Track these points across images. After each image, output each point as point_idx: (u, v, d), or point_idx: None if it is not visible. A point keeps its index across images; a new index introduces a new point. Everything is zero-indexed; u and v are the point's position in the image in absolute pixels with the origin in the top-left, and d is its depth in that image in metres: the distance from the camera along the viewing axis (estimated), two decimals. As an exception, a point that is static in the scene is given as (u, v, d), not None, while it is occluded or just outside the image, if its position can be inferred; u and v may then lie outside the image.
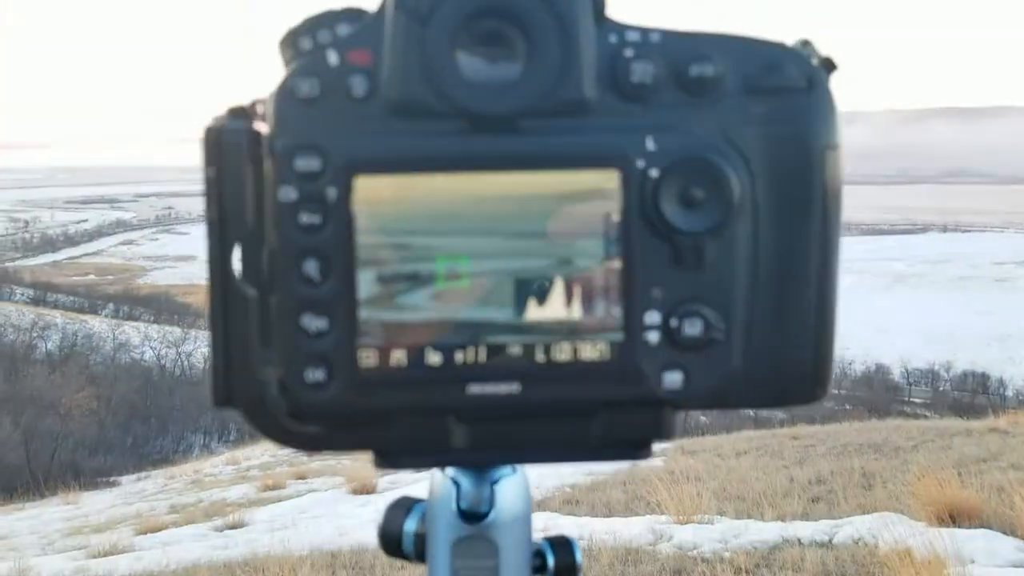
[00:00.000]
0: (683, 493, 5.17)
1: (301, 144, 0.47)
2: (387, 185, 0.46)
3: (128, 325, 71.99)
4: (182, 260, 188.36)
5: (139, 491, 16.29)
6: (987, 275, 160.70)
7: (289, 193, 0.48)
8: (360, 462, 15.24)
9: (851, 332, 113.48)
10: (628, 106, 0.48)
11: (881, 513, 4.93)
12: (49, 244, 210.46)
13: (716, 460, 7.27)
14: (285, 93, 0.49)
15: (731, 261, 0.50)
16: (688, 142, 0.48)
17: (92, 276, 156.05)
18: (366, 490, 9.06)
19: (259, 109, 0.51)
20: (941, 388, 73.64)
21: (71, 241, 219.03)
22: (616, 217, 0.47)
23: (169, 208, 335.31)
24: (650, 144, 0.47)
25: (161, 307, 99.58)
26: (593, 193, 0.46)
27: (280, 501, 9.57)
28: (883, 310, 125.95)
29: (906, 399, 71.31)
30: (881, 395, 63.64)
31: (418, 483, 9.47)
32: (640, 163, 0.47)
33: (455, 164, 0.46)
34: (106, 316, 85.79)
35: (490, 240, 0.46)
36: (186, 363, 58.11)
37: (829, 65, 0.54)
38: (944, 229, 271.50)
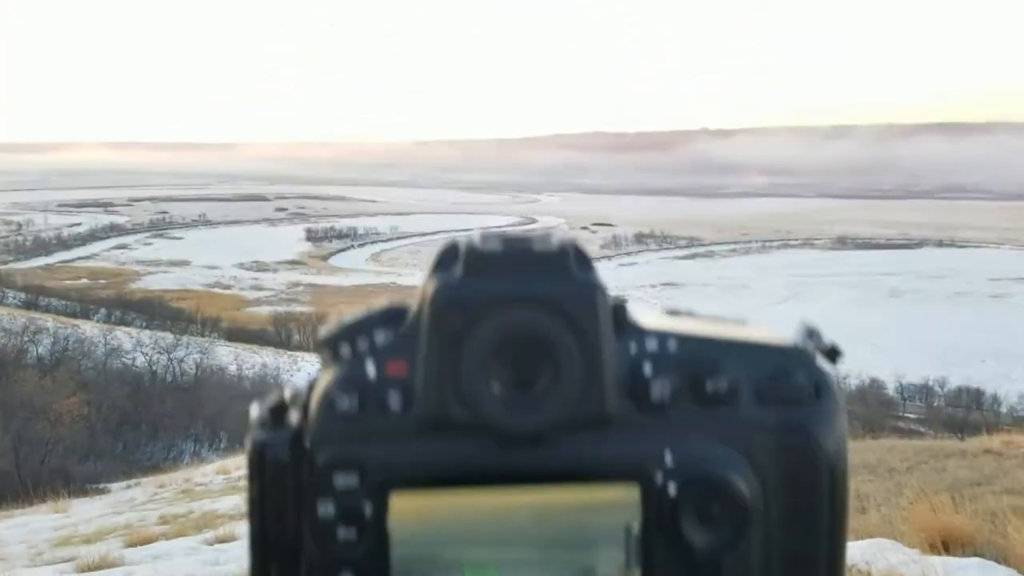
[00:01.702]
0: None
1: (340, 460, 0.50)
2: (421, 500, 0.48)
3: (120, 330, 71.68)
4: (176, 265, 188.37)
5: (129, 499, 16.19)
6: (983, 291, 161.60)
7: (328, 508, 0.49)
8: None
9: (845, 346, 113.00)
10: (647, 418, 0.51)
11: (875, 539, 4.93)
12: (42, 247, 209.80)
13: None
14: (326, 406, 0.52)
15: (745, 573, 0.50)
16: (705, 458, 0.50)
17: (85, 280, 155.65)
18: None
19: (293, 399, 0.55)
20: (935, 404, 73.71)
21: (64, 244, 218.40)
22: (636, 529, 0.48)
23: (163, 213, 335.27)
24: (668, 459, 0.49)
25: (154, 312, 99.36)
26: (615, 504, 0.48)
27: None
28: (878, 325, 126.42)
29: (900, 414, 71.40)
30: (875, 410, 63.63)
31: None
32: (659, 477, 0.49)
33: (485, 479, 0.48)
34: (98, 321, 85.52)
35: (516, 550, 0.48)
36: (178, 369, 57.84)
37: (834, 354, 0.59)
38: (940, 244, 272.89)
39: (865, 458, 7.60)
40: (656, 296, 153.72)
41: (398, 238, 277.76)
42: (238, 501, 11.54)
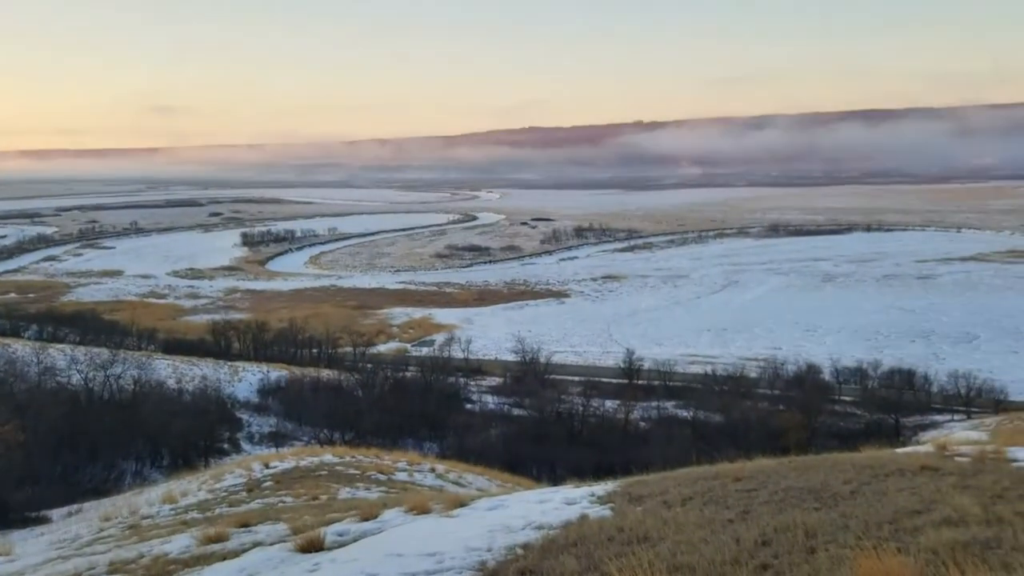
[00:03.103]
0: (635, 564, 5.23)
1: None
2: None
3: (53, 348, 69.45)
4: (108, 275, 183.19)
5: (74, 538, 15.75)
6: (911, 273, 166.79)
7: None
8: (302, 507, 15.02)
9: (782, 333, 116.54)
10: None
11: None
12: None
13: (663, 511, 7.36)
14: None
15: None
16: None
17: (13, 295, 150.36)
18: (314, 546, 8.92)
19: None
20: (870, 386, 75.59)
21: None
22: None
23: (93, 222, 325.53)
24: None
25: (87, 326, 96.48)
26: None
27: (224, 559, 9.36)
28: (812, 310, 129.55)
29: (837, 398, 73.41)
30: (813, 395, 65.23)
31: (367, 536, 9.39)
32: None
33: None
34: (29, 338, 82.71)
35: None
36: (115, 386, 56.34)
37: None
38: (868, 229, 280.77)
39: (809, 481, 7.81)
40: (598, 289, 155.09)
41: (337, 240, 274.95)
42: (189, 541, 11.33)
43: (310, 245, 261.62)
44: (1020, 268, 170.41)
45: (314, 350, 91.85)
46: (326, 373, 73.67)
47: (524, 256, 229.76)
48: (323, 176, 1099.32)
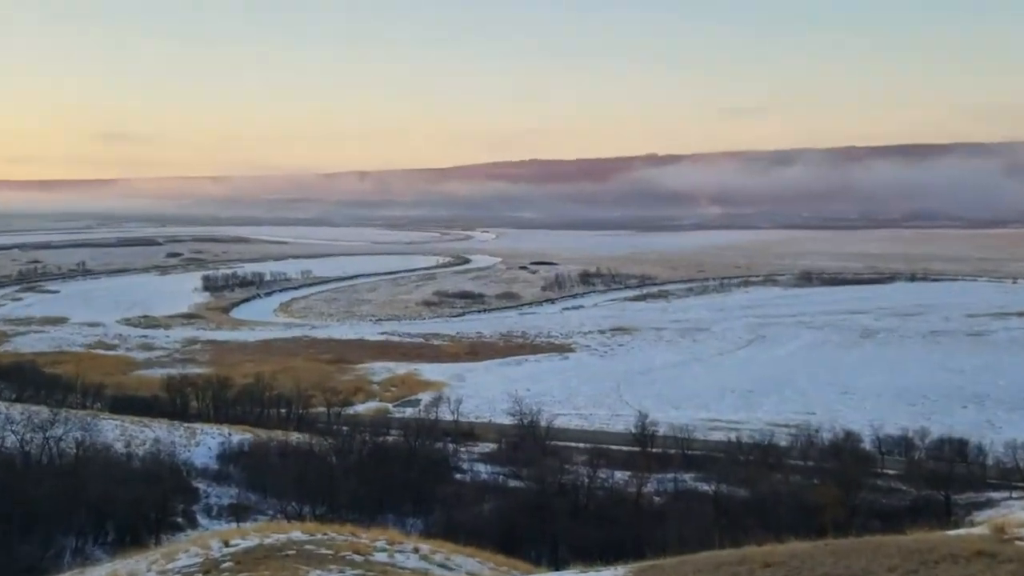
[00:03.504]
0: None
1: None
2: None
3: (-15, 405, 69.08)
4: (51, 323, 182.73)
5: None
6: (961, 329, 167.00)
7: None
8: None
9: (816, 395, 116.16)
10: None
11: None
12: None
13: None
14: None
15: None
16: None
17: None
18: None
19: None
20: (916, 457, 75.19)
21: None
22: None
23: (35, 262, 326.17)
24: None
25: (26, 380, 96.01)
26: None
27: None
28: (850, 369, 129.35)
29: (879, 470, 72.95)
30: (852, 467, 64.78)
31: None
32: None
33: None
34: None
35: None
36: (55, 449, 55.98)
37: None
38: (912, 278, 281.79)
39: (850, 567, 7.75)
40: (606, 343, 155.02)
41: (311, 284, 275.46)
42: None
43: (280, 290, 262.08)
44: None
45: (283, 410, 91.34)
46: (296, 437, 73.18)
47: (523, 305, 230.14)
48: (296, 212, 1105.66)
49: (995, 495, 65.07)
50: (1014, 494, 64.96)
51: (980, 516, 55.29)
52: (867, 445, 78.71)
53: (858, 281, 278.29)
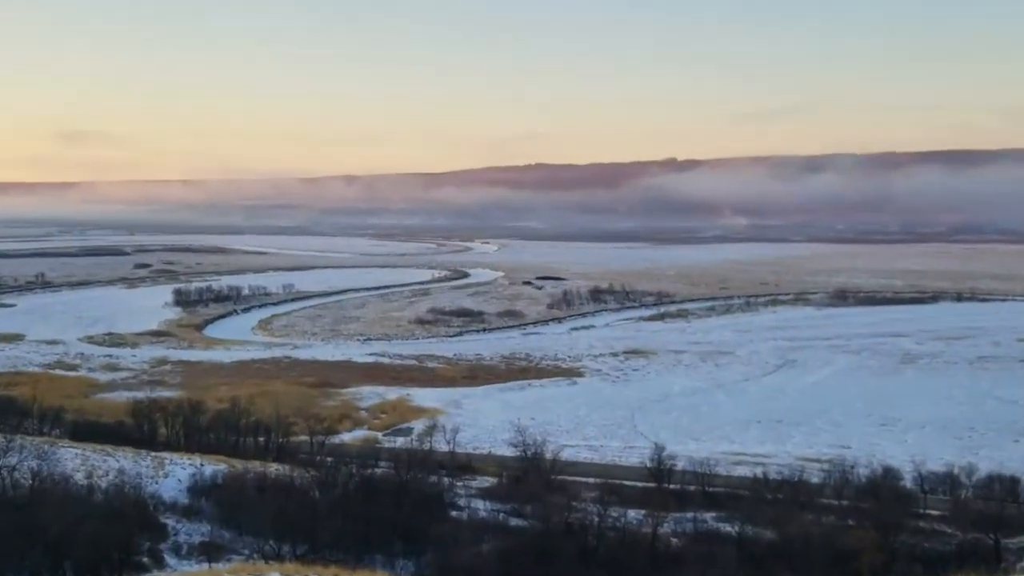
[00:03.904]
0: None
1: None
2: None
3: (-69, 430, 69.06)
4: (5, 341, 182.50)
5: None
6: (1012, 354, 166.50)
7: None
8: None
9: (851, 427, 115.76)
10: None
11: None
12: None
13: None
14: None
15: None
16: None
17: None
18: None
19: None
20: (962, 496, 74.96)
21: None
22: None
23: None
24: None
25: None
26: None
27: None
28: (889, 398, 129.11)
29: (921, 511, 72.68)
30: (891, 507, 64.57)
31: None
32: None
33: None
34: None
35: None
36: (8, 480, 56.00)
37: None
38: (959, 298, 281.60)
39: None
40: (619, 367, 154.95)
41: (293, 299, 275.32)
42: None
43: (260, 306, 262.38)
44: None
45: (260, 438, 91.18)
46: (275, 468, 73.03)
47: (527, 324, 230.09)
48: (277, 220, 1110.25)
49: (1052, 540, 64.80)
50: (1072, 539, 64.65)
51: (1035, 563, 55.09)
52: (908, 483, 78.45)
53: (898, 301, 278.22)
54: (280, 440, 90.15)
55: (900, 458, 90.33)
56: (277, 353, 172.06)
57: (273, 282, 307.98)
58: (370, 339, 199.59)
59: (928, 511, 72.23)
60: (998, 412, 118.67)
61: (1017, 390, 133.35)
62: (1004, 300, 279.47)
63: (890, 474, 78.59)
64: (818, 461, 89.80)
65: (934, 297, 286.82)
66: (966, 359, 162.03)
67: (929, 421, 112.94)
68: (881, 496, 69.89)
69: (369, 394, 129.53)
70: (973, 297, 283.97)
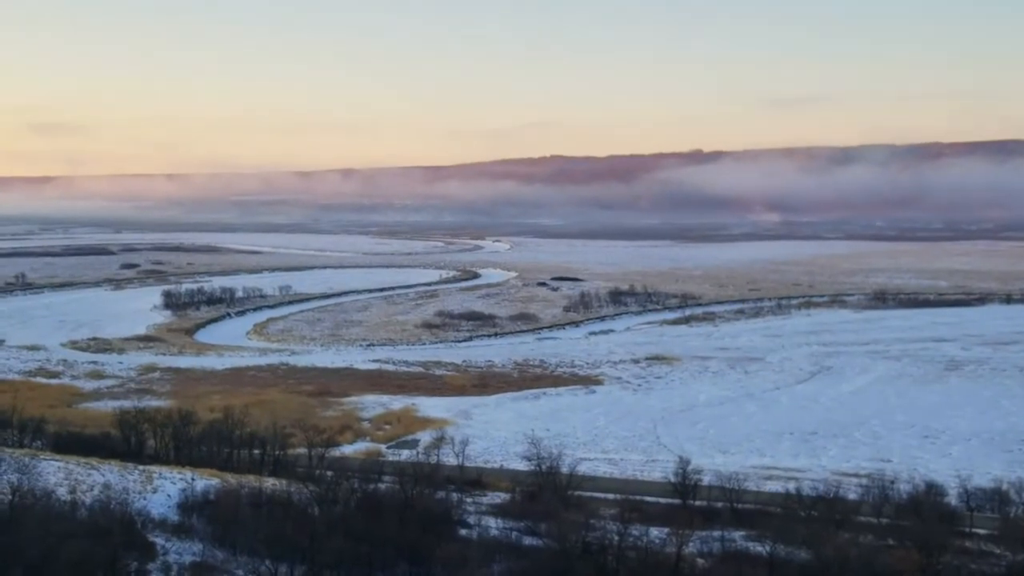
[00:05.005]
0: None
1: None
2: None
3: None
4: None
5: None
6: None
7: None
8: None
9: (891, 439, 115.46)
10: None
11: None
12: None
13: None
14: None
15: None
16: None
17: None
18: None
19: None
20: (1012, 514, 74.76)
21: None
22: None
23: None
24: None
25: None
26: None
27: None
28: (932, 409, 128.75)
29: (967, 530, 72.48)
30: (934, 526, 64.39)
31: None
32: None
33: None
34: None
35: None
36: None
37: None
38: (1007, 300, 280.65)
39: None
40: (641, 374, 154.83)
41: (291, 302, 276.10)
42: None
43: (255, 309, 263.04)
44: None
45: (256, 451, 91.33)
46: (271, 483, 73.18)
47: (542, 328, 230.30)
48: (272, 217, 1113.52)
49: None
50: None
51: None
52: (953, 499, 78.26)
53: (942, 303, 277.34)
54: (277, 453, 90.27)
55: (944, 473, 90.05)
56: (273, 360, 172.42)
57: (269, 283, 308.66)
58: (373, 345, 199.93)
59: (975, 530, 71.96)
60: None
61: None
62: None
63: (933, 490, 78.30)
64: (855, 476, 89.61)
65: (981, 299, 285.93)
66: (1016, 366, 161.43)
67: (975, 433, 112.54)
68: (923, 514, 69.64)
69: (372, 404, 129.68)
70: (1023, 299, 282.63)
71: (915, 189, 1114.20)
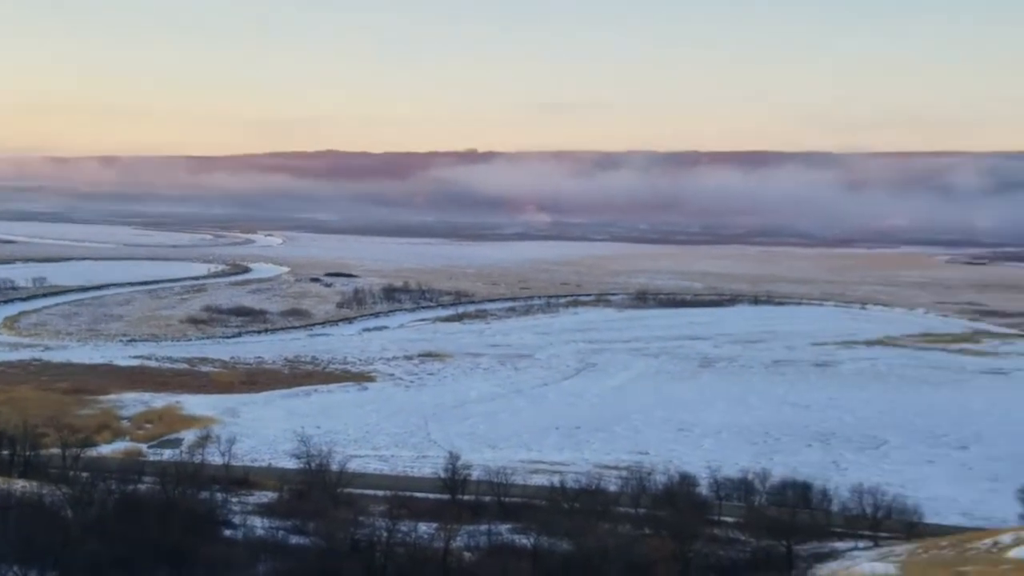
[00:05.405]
0: None
1: None
2: None
3: None
4: None
5: None
6: (807, 359, 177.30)
7: None
8: None
9: (650, 433, 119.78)
10: None
11: None
12: None
13: None
14: None
15: None
16: None
17: None
18: None
19: None
20: (757, 503, 78.85)
21: None
22: None
23: None
24: None
25: None
26: None
27: None
28: (687, 403, 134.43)
29: (716, 518, 76.24)
30: (687, 515, 67.38)
31: None
32: None
33: None
34: None
35: None
36: None
37: None
38: (756, 301, 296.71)
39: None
40: (413, 371, 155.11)
41: (46, 294, 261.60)
42: None
43: (6, 301, 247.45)
44: (935, 355, 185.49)
45: (4, 451, 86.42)
46: (21, 485, 69.38)
47: (314, 324, 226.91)
48: (27, 205, 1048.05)
49: (840, 545, 69.39)
50: (860, 544, 69.43)
51: (823, 569, 58.93)
52: (704, 489, 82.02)
53: (698, 303, 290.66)
54: (27, 453, 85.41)
55: (697, 464, 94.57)
56: (25, 355, 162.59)
57: (21, 274, 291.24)
58: (135, 340, 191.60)
59: (723, 518, 75.93)
60: (792, 417, 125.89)
61: (810, 395, 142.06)
62: (799, 304, 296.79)
63: (687, 481, 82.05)
64: (616, 468, 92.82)
65: (732, 300, 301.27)
66: (762, 363, 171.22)
67: (726, 426, 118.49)
68: (677, 504, 72.77)
69: (132, 401, 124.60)
70: (769, 300, 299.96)
71: (675, 195, 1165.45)
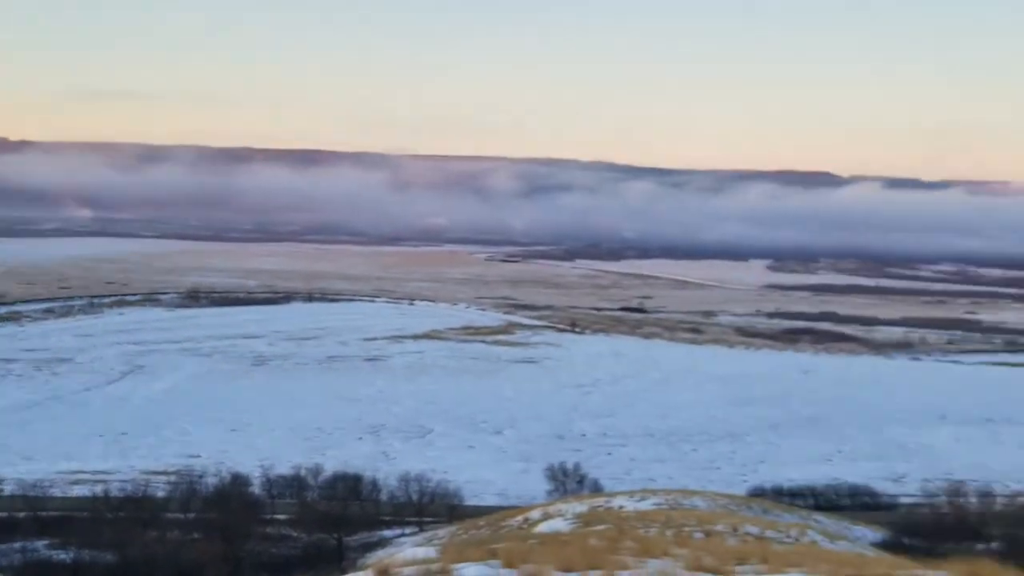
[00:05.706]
0: None
1: None
2: None
3: None
4: None
5: None
6: (358, 354, 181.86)
7: None
8: None
9: (201, 435, 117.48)
10: None
11: None
12: None
13: None
14: None
15: None
16: None
17: None
18: None
19: None
20: (309, 498, 79.83)
21: None
22: None
23: None
24: None
25: None
26: None
27: None
28: (240, 402, 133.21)
29: (269, 516, 76.23)
30: (238, 515, 66.89)
31: None
32: None
33: None
34: None
35: None
36: None
37: None
38: (310, 298, 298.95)
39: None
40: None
41: None
42: None
43: None
44: (475, 347, 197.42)
45: None
46: None
47: None
48: None
49: (388, 533, 72.22)
50: (407, 530, 72.69)
51: (372, 558, 61.06)
52: (257, 489, 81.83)
53: (252, 301, 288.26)
54: None
55: (250, 464, 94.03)
56: None
57: None
58: None
59: (276, 516, 76.13)
60: (345, 411, 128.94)
61: (362, 389, 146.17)
62: (352, 300, 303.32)
63: (239, 481, 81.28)
64: (165, 473, 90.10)
65: (287, 297, 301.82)
66: (316, 360, 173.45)
67: (279, 424, 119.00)
68: (229, 505, 72.01)
69: None
70: (323, 297, 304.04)
71: (227, 191, 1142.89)
